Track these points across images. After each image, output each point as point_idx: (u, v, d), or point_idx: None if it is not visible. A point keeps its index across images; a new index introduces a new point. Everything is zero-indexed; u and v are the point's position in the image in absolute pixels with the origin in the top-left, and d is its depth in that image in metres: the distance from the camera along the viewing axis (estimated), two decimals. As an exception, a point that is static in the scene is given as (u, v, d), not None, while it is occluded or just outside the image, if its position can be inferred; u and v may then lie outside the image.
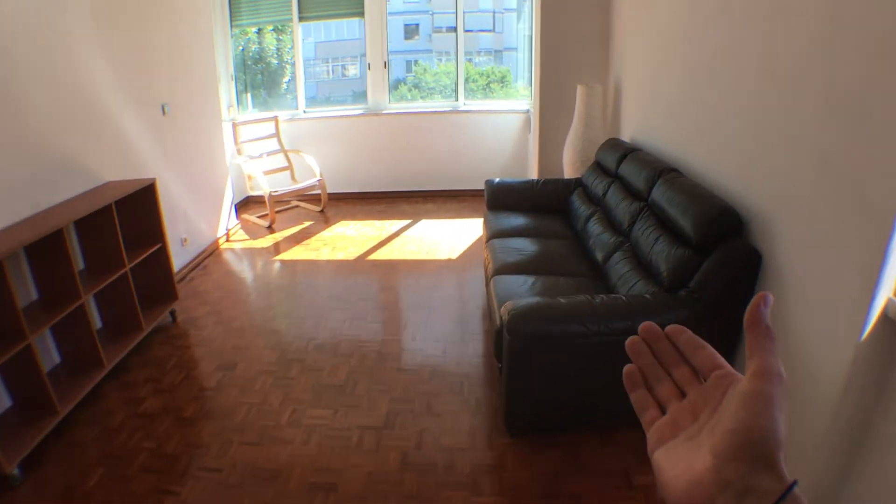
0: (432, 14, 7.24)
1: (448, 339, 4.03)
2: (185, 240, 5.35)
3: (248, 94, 7.40)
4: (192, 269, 5.47)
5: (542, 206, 4.81)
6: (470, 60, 7.17)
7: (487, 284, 3.71)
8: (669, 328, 0.58)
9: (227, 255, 5.81)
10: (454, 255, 5.38)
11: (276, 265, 5.49)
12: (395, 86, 7.33)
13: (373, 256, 5.44)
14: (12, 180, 3.43)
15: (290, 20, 6.81)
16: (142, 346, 4.15)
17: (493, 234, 4.35)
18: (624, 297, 2.76)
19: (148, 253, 4.19)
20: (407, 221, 6.28)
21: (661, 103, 4.18)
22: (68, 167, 3.90)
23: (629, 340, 0.59)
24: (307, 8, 6.76)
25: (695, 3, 3.62)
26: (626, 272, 3.26)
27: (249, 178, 6.68)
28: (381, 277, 5.08)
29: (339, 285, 4.93)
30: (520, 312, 2.67)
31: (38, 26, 3.62)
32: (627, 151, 4.28)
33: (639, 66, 4.70)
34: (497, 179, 5.03)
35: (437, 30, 7.37)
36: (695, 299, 2.68)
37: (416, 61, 7.54)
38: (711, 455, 0.45)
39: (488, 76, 7.43)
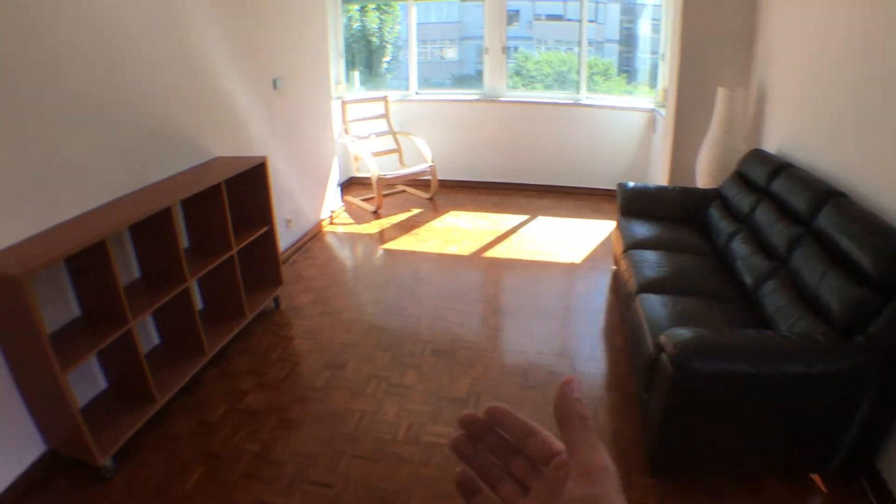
0: (534, 2, 6.77)
1: (575, 354, 3.65)
2: (290, 221, 5.11)
3: (356, 72, 7.11)
4: (295, 251, 5.23)
5: (677, 216, 4.33)
6: (570, 50, 6.68)
7: (629, 301, 3.36)
8: (488, 411, 0.51)
9: (331, 239, 5.54)
10: (576, 258, 4.92)
11: (383, 254, 5.18)
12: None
13: (489, 253, 5.06)
14: (119, 152, 3.26)
15: None
16: (244, 333, 3.94)
17: (631, 244, 3.95)
18: (795, 338, 2.50)
19: (255, 235, 3.95)
20: (523, 217, 5.85)
21: (822, 116, 3.57)
22: (176, 140, 3.70)
23: (451, 441, 0.52)
24: None
25: (874, 6, 3.03)
26: (785, 304, 2.91)
27: (356, 158, 6.40)
28: (499, 277, 4.69)
29: (454, 283, 4.56)
30: (689, 347, 2.38)
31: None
32: (780, 167, 3.74)
33: (790, 70, 4.08)
34: (631, 183, 4.53)
35: (538, 17, 6.91)
36: (875, 347, 2.35)
37: (516, 48, 7.08)
38: None
39: (591, 68, 6.91)
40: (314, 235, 5.60)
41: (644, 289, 3.31)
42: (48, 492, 2.70)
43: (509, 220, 5.77)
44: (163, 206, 3.09)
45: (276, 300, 4.32)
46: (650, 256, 3.69)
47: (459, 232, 5.51)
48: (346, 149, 6.64)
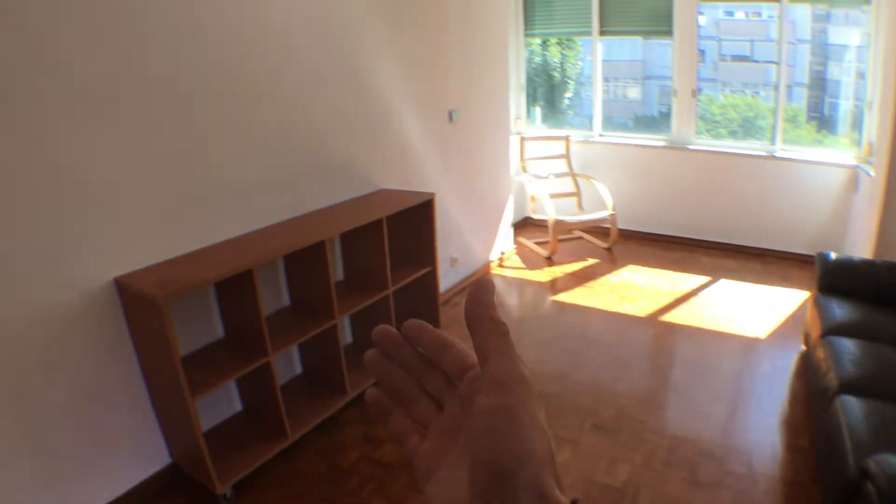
0: (719, 41, 6.05)
1: (755, 451, 2.99)
2: (455, 260, 4.85)
3: (537, 108, 6.79)
4: (458, 292, 4.94)
5: (886, 297, 3.47)
6: (756, 94, 5.87)
7: (825, 401, 2.74)
8: (406, 326, 0.48)
9: (498, 283, 5.19)
10: (759, 332, 4.17)
11: (552, 305, 4.74)
12: (667, 116, 6.24)
13: (665, 317, 4.46)
14: (284, 177, 3.25)
15: (590, 33, 6.04)
16: None
17: (831, 328, 3.23)
18: None
19: (415, 276, 3.74)
20: (704, 279, 5.14)
21: None
22: (342, 169, 3.63)
23: (367, 357, 0.48)
24: (610, 21, 5.94)
25: None
26: None
27: (532, 199, 6.05)
28: (673, 346, 4.09)
29: (624, 348, 4.04)
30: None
31: (328, 23, 3.40)
32: None
33: None
34: (833, 254, 3.74)
35: (723, 58, 6.17)
36: None
37: (700, 90, 6.37)
38: (469, 492, 0.37)
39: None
40: (482, 275, 5.29)
41: (846, 389, 2.66)
42: None
43: (689, 280, 5.10)
44: (317, 240, 2.92)
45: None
46: (854, 347, 2.97)
47: (636, 289, 4.93)
48: (523, 188, 6.32)
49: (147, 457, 2.81)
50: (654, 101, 6.42)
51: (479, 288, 0.43)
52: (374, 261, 3.46)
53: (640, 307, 4.58)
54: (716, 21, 5.68)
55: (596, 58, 6.05)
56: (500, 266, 5.62)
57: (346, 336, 3.90)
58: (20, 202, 2.20)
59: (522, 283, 5.22)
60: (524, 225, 6.79)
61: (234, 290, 2.76)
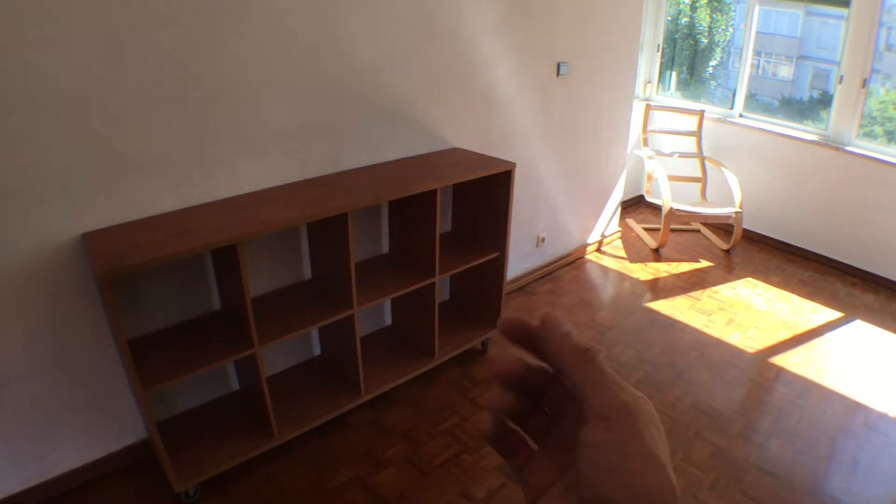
0: (888, 28, 4.81)
1: None
2: (542, 239, 4.16)
3: (672, 73, 5.79)
4: (539, 278, 4.27)
5: None
6: None
7: None
8: (542, 320, 0.41)
9: (591, 271, 4.48)
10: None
11: (645, 315, 3.96)
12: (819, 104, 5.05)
13: (777, 358, 3.56)
14: (329, 124, 2.66)
15: None
16: (425, 377, 3.17)
17: None
18: None
19: (475, 263, 3.06)
20: (836, 314, 4.11)
21: None
22: (407, 116, 3.00)
23: (493, 361, 0.43)
24: None
25: None
26: None
27: (649, 178, 5.18)
28: (782, 405, 3.18)
29: (718, 394, 3.25)
30: None
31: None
32: None
33: None
34: None
35: (889, 48, 4.92)
36: None
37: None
38: None
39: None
40: (573, 261, 4.58)
41: None
42: (122, 486, 2.47)
43: (816, 312, 4.11)
44: (338, 212, 2.33)
45: (485, 343, 3.40)
46: None
47: (750, 313, 4.04)
48: (641, 163, 5.45)
49: (122, 427, 2.52)
50: (806, 84, 5.30)
51: (549, 322, 0.39)
52: (422, 239, 2.84)
53: (749, 338, 3.72)
54: (888, 6, 4.45)
55: (750, 25, 4.98)
56: (598, 251, 4.85)
57: (387, 316, 3.36)
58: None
59: (617, 278, 4.44)
60: (636, 205, 5.92)
61: (226, 265, 2.23)
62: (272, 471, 2.57)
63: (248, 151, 2.45)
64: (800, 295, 4.30)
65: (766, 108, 5.38)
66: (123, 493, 2.44)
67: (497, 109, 3.42)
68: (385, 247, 3.15)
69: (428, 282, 2.85)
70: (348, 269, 2.49)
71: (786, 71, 5.38)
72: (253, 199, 2.43)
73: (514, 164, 2.92)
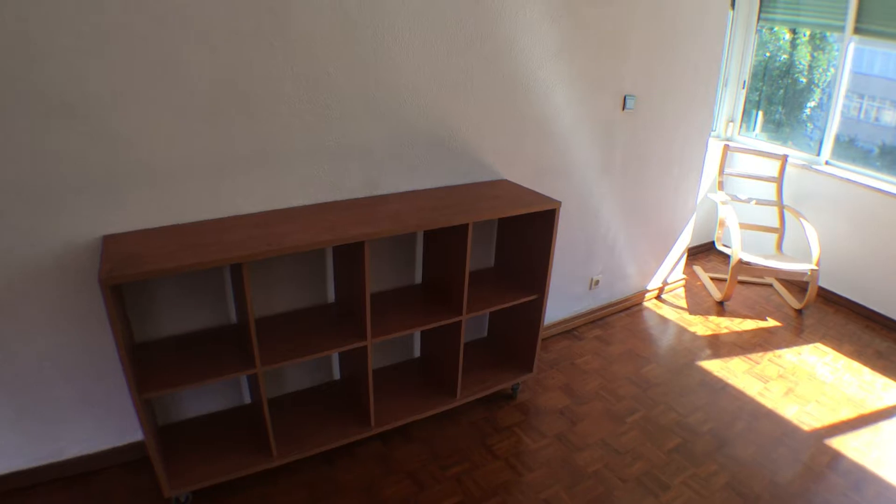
0: None
1: None
2: (596, 281, 3.96)
3: (759, 112, 5.47)
4: (591, 322, 4.07)
5: None
6: None
7: None
8: None
9: (646, 320, 4.25)
10: None
11: (695, 374, 3.70)
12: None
13: (836, 441, 3.22)
14: (360, 146, 2.57)
15: (842, 27, 4.62)
16: (445, 417, 3.06)
17: None
18: None
19: (511, 304, 2.93)
20: None
21: None
22: (451, 143, 2.91)
23: None
24: (871, 16, 4.44)
25: None
26: None
27: (721, 224, 4.90)
28: (833, 494, 2.85)
29: (766, 472, 2.98)
30: None
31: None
32: None
33: None
34: None
35: None
36: None
37: None
38: None
39: None
40: (627, 308, 4.35)
41: None
42: (124, 479, 2.54)
43: (890, 391, 3.71)
44: (355, 240, 2.24)
45: (516, 388, 3.25)
46: None
47: (814, 384, 3.71)
48: (714, 207, 5.17)
49: (133, 423, 2.53)
50: None
51: None
52: (453, 275, 2.73)
53: (808, 413, 3.41)
54: None
55: (843, 61, 4.64)
56: (658, 298, 4.61)
57: (415, 348, 3.26)
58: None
59: (673, 330, 4.19)
60: (706, 252, 5.63)
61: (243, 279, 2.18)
62: (268, 491, 2.53)
63: (279, 167, 2.41)
64: (873, 368, 3.94)
65: (865, 156, 4.99)
66: (124, 485, 2.50)
67: (553, 141, 3.27)
68: (418, 276, 3.05)
69: (453, 320, 2.72)
70: (364, 299, 2.40)
71: (889, 116, 4.99)
72: (279, 217, 2.38)
73: (558, 203, 2.77)
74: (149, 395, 2.06)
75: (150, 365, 2.21)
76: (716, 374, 3.68)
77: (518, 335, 3.22)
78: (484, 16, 2.71)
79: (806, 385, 3.66)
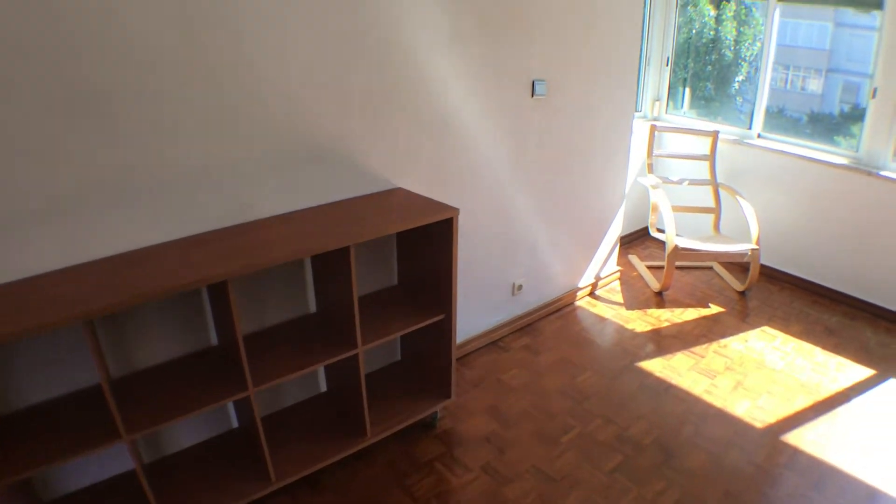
0: None
1: None
2: (519, 287, 3.69)
3: (685, 90, 5.30)
4: (518, 329, 3.81)
5: None
6: None
7: None
8: None
9: (579, 321, 4.02)
10: None
11: (635, 377, 3.48)
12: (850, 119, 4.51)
13: (793, 435, 3.03)
14: (223, 166, 2.23)
15: None
16: (358, 457, 2.80)
17: None
18: None
19: (411, 328, 2.61)
20: (867, 372, 3.55)
21: None
22: (331, 152, 2.58)
23: None
24: None
25: None
26: None
27: (654, 209, 4.70)
28: (792, 499, 2.66)
29: (719, 481, 2.77)
30: None
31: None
32: None
33: None
34: None
35: None
36: None
37: None
38: None
39: None
40: (558, 310, 4.11)
41: None
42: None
43: (844, 370, 3.56)
44: (216, 279, 1.91)
45: (435, 417, 2.97)
46: None
47: (763, 373, 3.53)
48: (645, 192, 4.98)
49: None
50: (836, 98, 4.78)
51: None
52: (341, 302, 2.42)
53: (760, 408, 3.21)
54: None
55: (770, 30, 4.48)
56: (592, 295, 4.38)
57: (318, 385, 2.95)
58: None
59: (609, 330, 3.96)
60: (641, 239, 5.44)
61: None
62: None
63: (123, 202, 2.05)
64: (824, 348, 3.78)
65: (794, 125, 4.85)
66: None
67: (454, 140, 2.99)
68: (312, 305, 2.74)
69: (348, 354, 2.42)
70: (236, 343, 2.08)
71: (815, 84, 4.88)
72: (126, 262, 2.03)
73: (456, 211, 2.49)
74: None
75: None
76: (658, 374, 3.46)
77: (432, 358, 2.94)
78: (362, 3, 2.40)
79: (755, 375, 3.47)
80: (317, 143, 2.47)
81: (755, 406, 3.21)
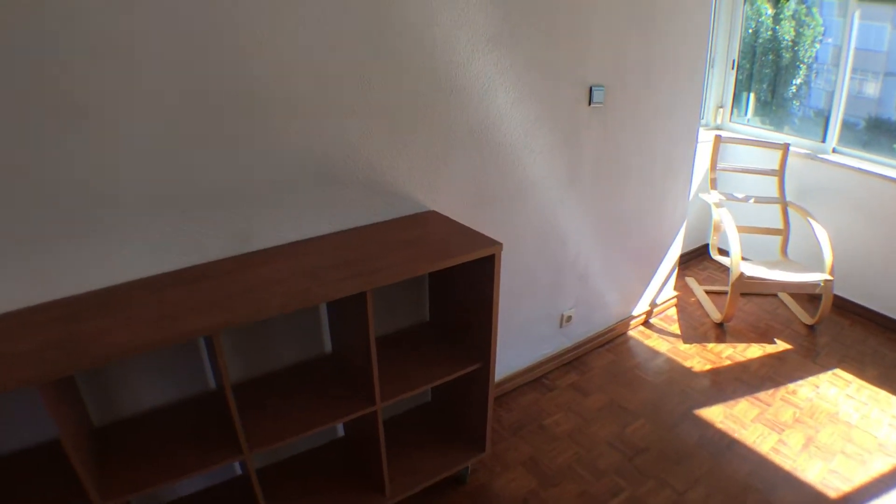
0: None
1: None
2: (568, 317, 3.29)
3: (749, 95, 4.83)
4: (565, 363, 3.43)
5: None
6: None
7: None
8: None
9: (632, 355, 3.63)
10: None
11: (689, 427, 3.07)
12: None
13: None
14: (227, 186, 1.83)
15: None
16: None
17: None
18: None
19: (447, 378, 2.28)
20: None
21: None
22: (353, 171, 2.14)
23: None
24: None
25: None
26: None
27: (716, 228, 4.26)
28: None
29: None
30: None
31: None
32: None
33: None
34: None
35: None
36: None
37: None
38: None
39: None
40: (610, 341, 3.71)
41: None
42: None
43: None
44: (192, 336, 1.56)
45: (465, 473, 2.61)
46: None
47: (837, 427, 3.08)
48: (707, 208, 4.54)
49: None
50: (894, 102, 4.28)
51: None
52: (358, 351, 2.06)
53: (833, 472, 2.76)
54: None
55: (850, 32, 3.98)
56: (646, 324, 3.96)
57: (334, 429, 2.60)
58: None
59: (664, 367, 3.53)
60: (699, 258, 4.99)
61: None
62: None
63: (98, 231, 1.71)
64: (912, 397, 3.32)
65: (854, 129, 4.37)
66: None
67: (497, 154, 2.60)
68: (328, 344, 2.39)
69: (364, 412, 2.06)
70: (227, 400, 1.74)
71: (873, 88, 4.41)
72: (96, 303, 1.69)
73: (499, 246, 2.11)
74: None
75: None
76: (719, 426, 3.04)
77: (465, 406, 2.58)
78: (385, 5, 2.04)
79: (828, 430, 3.03)
80: (331, 162, 2.10)
81: (828, 469, 2.78)
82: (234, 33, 1.75)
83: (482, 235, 2.17)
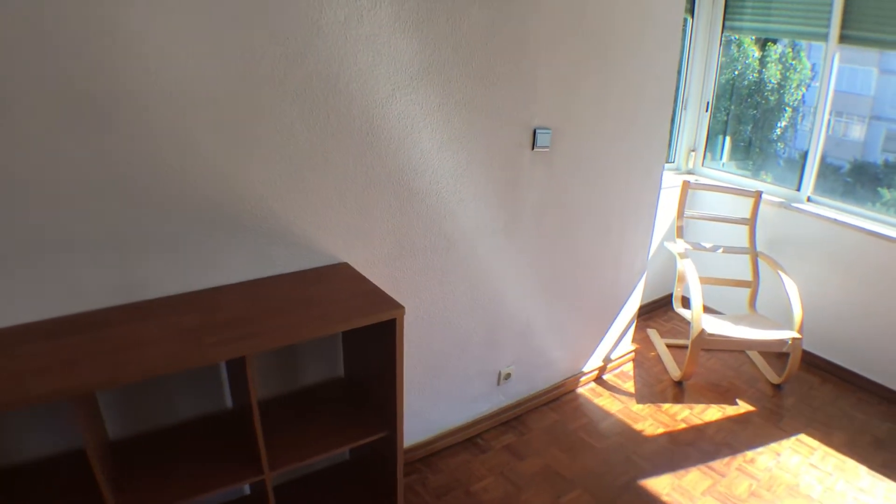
0: None
1: None
2: (508, 375, 3.19)
3: (724, 139, 4.78)
4: (503, 423, 3.30)
5: None
6: None
7: None
8: None
9: (577, 416, 3.49)
10: None
11: (640, 500, 2.94)
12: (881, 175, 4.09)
13: None
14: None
15: (825, 35, 3.93)
16: None
17: None
18: None
19: (348, 446, 2.13)
20: None
21: None
22: (254, 217, 2.04)
23: None
24: (859, 22, 3.75)
25: None
26: None
27: (680, 279, 4.17)
28: None
29: None
30: None
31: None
32: None
33: None
34: None
35: None
36: None
37: None
38: None
39: None
40: (555, 398, 3.59)
41: None
42: None
43: (894, 498, 3.02)
44: (36, 401, 1.45)
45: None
46: None
47: (796, 502, 2.93)
48: (673, 258, 4.47)
49: None
50: (879, 146, 4.30)
51: None
52: (246, 407, 1.96)
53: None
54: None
55: (829, 75, 3.95)
56: (598, 380, 3.85)
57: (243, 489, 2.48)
58: None
59: (612, 430, 3.41)
60: (663, 308, 4.89)
61: None
62: None
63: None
64: (871, 467, 3.19)
65: (838, 172, 4.33)
66: None
67: (420, 202, 2.50)
68: (228, 400, 2.28)
69: (250, 480, 1.94)
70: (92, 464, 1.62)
71: (858, 132, 4.40)
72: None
73: (400, 310, 2.00)
74: None
75: None
76: (664, 499, 2.91)
77: (378, 471, 2.46)
78: (292, 29, 1.95)
79: (788, 505, 2.91)
80: (227, 205, 2.00)
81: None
82: (124, 77, 1.66)
83: (386, 296, 2.06)
